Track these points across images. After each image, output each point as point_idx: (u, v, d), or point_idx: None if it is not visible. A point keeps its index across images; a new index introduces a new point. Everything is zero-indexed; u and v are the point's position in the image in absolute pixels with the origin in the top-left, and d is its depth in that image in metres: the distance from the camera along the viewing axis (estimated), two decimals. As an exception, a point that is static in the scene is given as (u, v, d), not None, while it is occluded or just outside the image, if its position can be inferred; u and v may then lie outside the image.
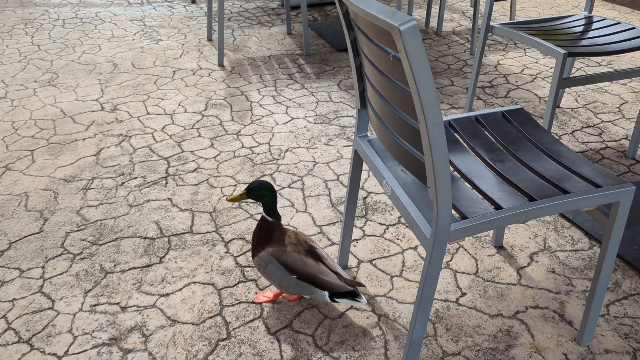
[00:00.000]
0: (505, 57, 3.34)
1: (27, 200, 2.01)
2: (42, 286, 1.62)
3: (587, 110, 2.66)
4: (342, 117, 2.61)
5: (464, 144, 1.38)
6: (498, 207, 1.15)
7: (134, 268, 1.68)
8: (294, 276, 1.42)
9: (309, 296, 1.46)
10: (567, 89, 2.87)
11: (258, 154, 2.30)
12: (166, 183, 2.11)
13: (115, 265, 1.70)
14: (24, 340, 1.44)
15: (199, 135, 2.44)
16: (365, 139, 1.44)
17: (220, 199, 2.00)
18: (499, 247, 1.77)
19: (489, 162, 1.30)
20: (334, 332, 1.47)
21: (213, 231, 1.85)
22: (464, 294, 1.59)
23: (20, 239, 1.81)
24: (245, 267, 1.69)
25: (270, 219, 1.46)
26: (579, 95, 2.80)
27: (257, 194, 1.44)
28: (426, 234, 1.13)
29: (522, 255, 1.73)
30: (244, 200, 1.37)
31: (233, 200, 1.44)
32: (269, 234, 1.46)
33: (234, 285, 1.62)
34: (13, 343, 1.43)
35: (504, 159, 1.31)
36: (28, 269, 1.68)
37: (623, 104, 2.72)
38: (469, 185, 1.24)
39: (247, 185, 1.43)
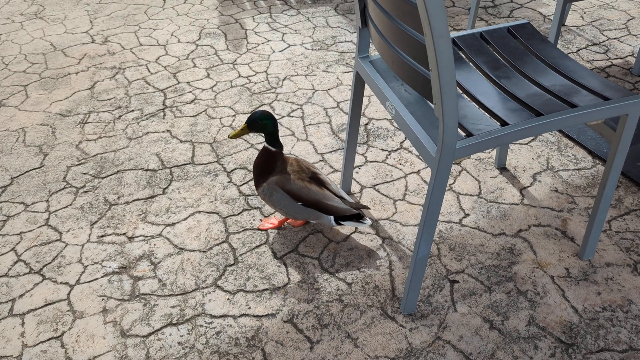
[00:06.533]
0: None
1: (25, 135, 1.98)
2: (47, 219, 1.63)
3: (592, 27, 2.58)
4: (340, 42, 2.53)
5: (469, 62, 1.34)
6: (504, 123, 1.13)
7: (138, 199, 1.69)
8: (300, 203, 1.42)
9: (314, 221, 1.47)
10: (572, 6, 2.77)
11: (255, 83, 2.25)
12: (164, 115, 2.07)
13: (119, 198, 1.70)
14: (35, 271, 1.47)
15: (194, 66, 2.38)
16: (366, 60, 1.40)
17: (219, 130, 1.98)
18: (502, 169, 1.76)
19: (494, 78, 1.27)
20: (339, 255, 1.49)
21: (214, 162, 1.83)
22: (467, 215, 1.60)
23: (22, 174, 1.80)
24: (249, 195, 1.69)
25: (273, 149, 1.43)
26: (584, 13, 2.71)
27: (259, 125, 1.39)
28: (431, 152, 1.11)
29: (525, 176, 1.73)
30: (246, 135, 1.34)
31: (235, 136, 1.41)
32: (271, 164, 1.44)
33: (238, 214, 1.63)
34: (25, 274, 1.46)
35: (509, 75, 1.28)
36: (32, 203, 1.68)
37: (630, 20, 2.63)
38: (474, 103, 1.21)
39: (247, 117, 1.40)
